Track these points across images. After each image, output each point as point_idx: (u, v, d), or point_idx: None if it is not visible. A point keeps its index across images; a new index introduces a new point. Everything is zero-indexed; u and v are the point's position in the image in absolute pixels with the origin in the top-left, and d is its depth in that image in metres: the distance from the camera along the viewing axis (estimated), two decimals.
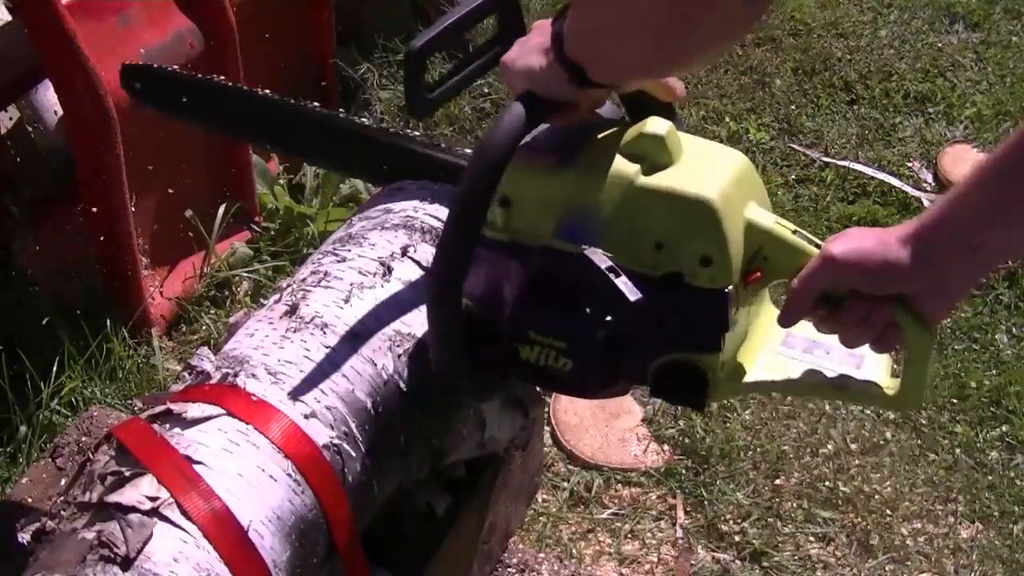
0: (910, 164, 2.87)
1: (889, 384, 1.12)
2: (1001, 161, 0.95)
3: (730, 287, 1.10)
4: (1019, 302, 2.45)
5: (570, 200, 1.13)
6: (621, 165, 1.12)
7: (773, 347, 1.18)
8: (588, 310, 1.12)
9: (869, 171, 2.82)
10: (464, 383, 1.23)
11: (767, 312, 1.21)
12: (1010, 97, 3.08)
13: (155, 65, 1.86)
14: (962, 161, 2.85)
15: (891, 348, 1.08)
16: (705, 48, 1.00)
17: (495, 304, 1.17)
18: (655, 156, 1.11)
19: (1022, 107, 3.05)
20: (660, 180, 1.11)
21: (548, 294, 1.14)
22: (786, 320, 1.09)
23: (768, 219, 1.12)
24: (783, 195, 2.76)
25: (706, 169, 1.12)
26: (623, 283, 1.09)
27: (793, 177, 2.83)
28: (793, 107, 3.06)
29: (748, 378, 1.16)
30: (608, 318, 1.11)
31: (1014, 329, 2.43)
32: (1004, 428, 2.20)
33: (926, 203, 2.72)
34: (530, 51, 1.09)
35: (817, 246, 1.08)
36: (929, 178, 2.84)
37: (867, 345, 1.08)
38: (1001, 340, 2.39)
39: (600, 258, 1.10)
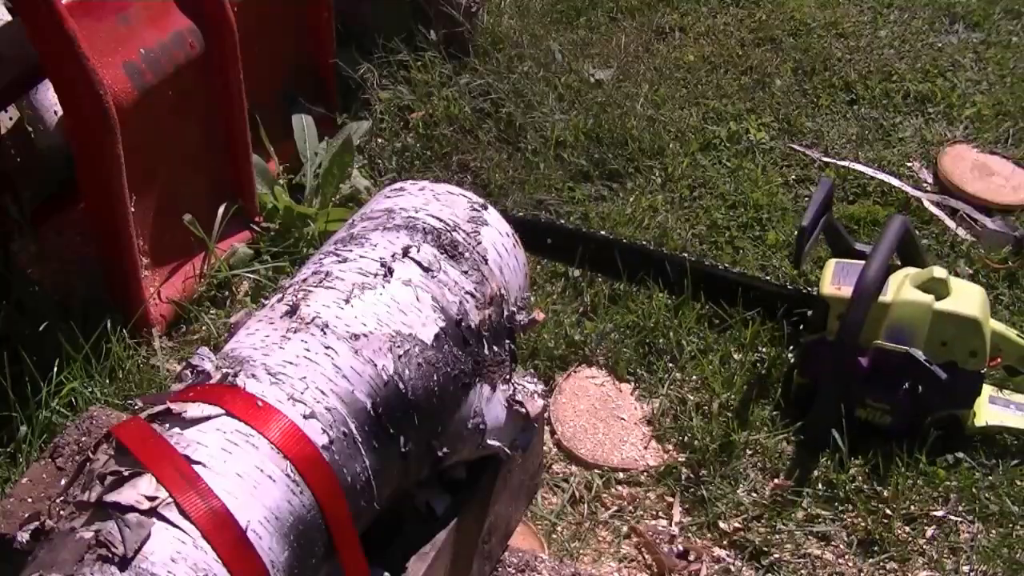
0: (910, 164, 2.86)
1: None
2: None
3: (984, 368, 2.04)
4: (1019, 302, 2.44)
5: (891, 317, 2.02)
6: (921, 296, 2.02)
7: (986, 401, 2.12)
8: (907, 386, 2.01)
9: (869, 171, 2.81)
10: (826, 435, 2.06)
11: None
12: (1010, 97, 3.08)
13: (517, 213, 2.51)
14: (962, 161, 2.85)
15: None
16: None
17: (839, 381, 2.05)
18: (941, 290, 2.02)
19: (1022, 107, 3.05)
20: (947, 305, 2.01)
21: (879, 374, 2.03)
22: None
23: (1002, 327, 2.10)
24: (783, 195, 2.75)
25: (969, 297, 2.03)
26: (937, 369, 1.98)
27: (793, 177, 2.83)
28: (793, 107, 3.06)
29: (981, 423, 2.08)
30: (920, 390, 2.00)
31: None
32: None
33: (926, 203, 2.72)
34: None
35: None
36: (929, 178, 2.83)
37: None
38: None
39: (921, 355, 1.99)
